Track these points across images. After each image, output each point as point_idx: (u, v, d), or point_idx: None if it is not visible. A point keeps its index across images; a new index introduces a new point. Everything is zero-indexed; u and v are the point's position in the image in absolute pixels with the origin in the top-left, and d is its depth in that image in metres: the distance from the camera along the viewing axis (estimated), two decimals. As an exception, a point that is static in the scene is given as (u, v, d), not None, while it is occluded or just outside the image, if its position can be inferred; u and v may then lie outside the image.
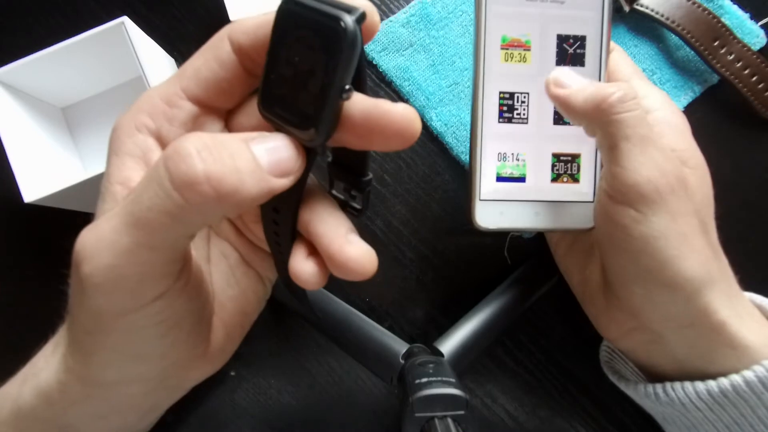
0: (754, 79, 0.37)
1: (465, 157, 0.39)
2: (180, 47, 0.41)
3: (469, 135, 0.39)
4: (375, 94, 0.40)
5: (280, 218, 0.22)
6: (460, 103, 0.39)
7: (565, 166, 0.31)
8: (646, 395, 0.29)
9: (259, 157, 0.18)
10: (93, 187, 0.34)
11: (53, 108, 0.41)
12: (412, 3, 0.40)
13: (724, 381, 0.26)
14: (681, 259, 0.26)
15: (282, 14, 0.19)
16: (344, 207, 0.23)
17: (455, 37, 0.40)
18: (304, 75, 0.18)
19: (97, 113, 0.41)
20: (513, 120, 0.31)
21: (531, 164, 0.31)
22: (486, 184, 0.31)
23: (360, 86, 0.19)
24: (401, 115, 0.18)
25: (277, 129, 0.20)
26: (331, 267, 0.21)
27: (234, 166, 0.17)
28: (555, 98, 0.28)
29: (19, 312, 0.40)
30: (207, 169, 0.17)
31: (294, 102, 0.19)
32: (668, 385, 0.28)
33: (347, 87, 0.18)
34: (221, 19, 0.34)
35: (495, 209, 0.31)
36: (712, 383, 0.26)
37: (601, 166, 0.31)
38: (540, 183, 0.31)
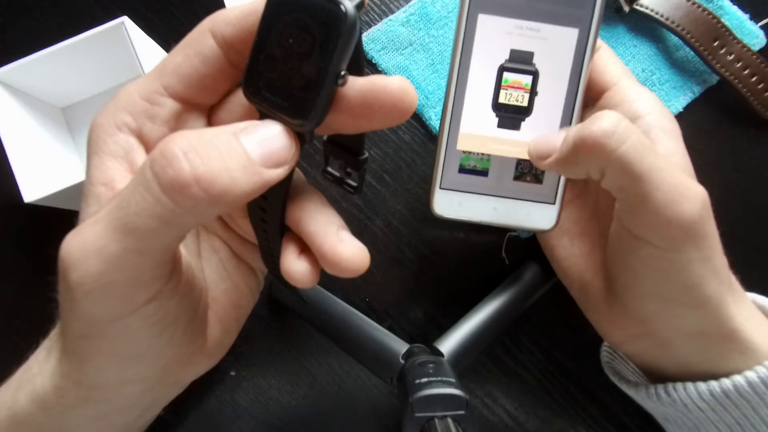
0: (754, 79, 0.37)
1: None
2: (180, 47, 0.41)
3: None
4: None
5: (267, 208, 0.22)
6: (460, 103, 0.39)
7: (530, 166, 0.31)
8: (647, 396, 0.29)
9: (250, 151, 0.18)
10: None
11: (53, 108, 0.41)
12: (412, 2, 0.40)
13: (726, 382, 0.26)
14: (704, 284, 0.25)
15: None
16: (340, 184, 0.23)
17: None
18: (298, 58, 0.18)
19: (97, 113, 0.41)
20: None
21: (495, 159, 0.31)
22: (447, 174, 0.31)
23: (358, 73, 0.19)
24: (399, 86, 0.18)
25: (263, 114, 0.19)
26: (324, 265, 0.21)
27: (224, 165, 0.17)
28: (550, 168, 0.27)
29: (19, 312, 0.40)
30: (195, 171, 0.16)
31: (285, 86, 0.18)
32: (670, 385, 0.28)
33: (343, 73, 0.18)
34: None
35: (454, 199, 0.31)
36: (714, 384, 0.26)
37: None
38: (502, 179, 0.31)
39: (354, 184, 0.23)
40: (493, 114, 0.31)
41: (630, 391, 0.31)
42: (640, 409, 0.32)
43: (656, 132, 0.27)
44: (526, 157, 0.30)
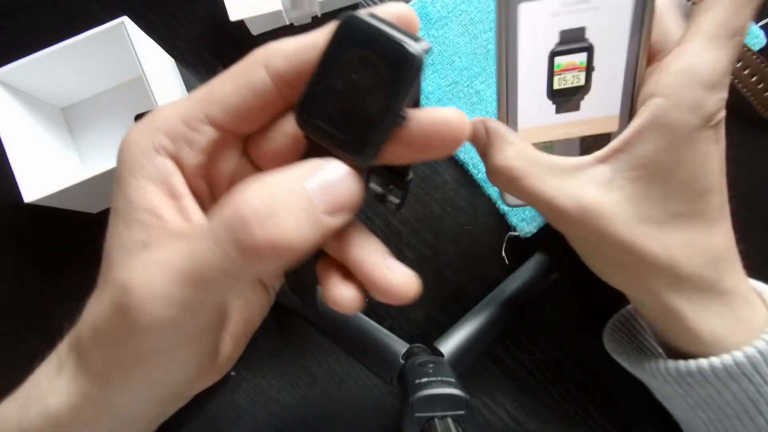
0: (754, 79, 0.37)
1: (463, 156, 0.39)
2: (180, 47, 0.41)
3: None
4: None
5: None
6: (459, 103, 0.39)
7: (593, 141, 0.30)
8: (631, 365, 0.32)
9: (313, 197, 0.18)
10: (93, 187, 0.34)
11: (53, 108, 0.41)
12: (412, 2, 0.40)
13: (691, 363, 0.27)
14: (606, 275, 0.28)
15: (343, 29, 0.18)
16: (381, 201, 0.23)
17: (454, 36, 0.40)
18: (361, 94, 0.18)
19: (97, 113, 0.41)
20: None
21: (558, 143, 0.30)
22: None
23: (414, 106, 0.19)
24: (457, 119, 0.19)
25: (312, 143, 0.19)
26: (374, 293, 0.21)
27: (295, 224, 0.17)
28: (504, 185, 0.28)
29: (19, 312, 0.40)
30: (269, 236, 0.17)
31: (343, 119, 0.18)
32: (645, 360, 0.30)
33: (403, 113, 0.18)
34: (221, 18, 0.34)
35: None
36: (681, 363, 0.27)
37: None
38: None
39: (396, 201, 0.23)
40: (550, 102, 0.30)
41: (624, 363, 0.33)
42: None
43: (633, 126, 0.26)
44: (588, 133, 0.29)
